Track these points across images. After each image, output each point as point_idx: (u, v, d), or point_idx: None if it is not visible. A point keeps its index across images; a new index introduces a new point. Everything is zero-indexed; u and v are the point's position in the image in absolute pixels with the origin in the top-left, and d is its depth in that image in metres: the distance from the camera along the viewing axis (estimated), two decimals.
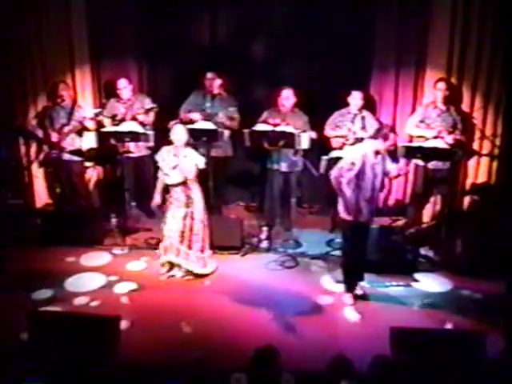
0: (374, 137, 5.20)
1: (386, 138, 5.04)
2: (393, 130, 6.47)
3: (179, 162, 5.34)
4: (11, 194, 6.59)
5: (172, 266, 5.61)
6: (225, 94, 6.60)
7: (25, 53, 6.61)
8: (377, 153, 4.99)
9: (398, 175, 5.41)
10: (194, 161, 5.39)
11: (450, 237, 6.16)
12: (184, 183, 5.39)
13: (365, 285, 5.42)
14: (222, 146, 6.45)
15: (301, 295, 5.37)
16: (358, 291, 5.32)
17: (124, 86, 6.55)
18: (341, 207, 5.10)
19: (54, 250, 6.04)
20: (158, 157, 5.47)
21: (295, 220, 6.43)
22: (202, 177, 5.57)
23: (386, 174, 5.12)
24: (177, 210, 5.45)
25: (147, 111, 6.46)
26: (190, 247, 5.51)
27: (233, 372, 3.45)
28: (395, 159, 5.37)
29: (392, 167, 5.13)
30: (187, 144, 5.44)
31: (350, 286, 5.26)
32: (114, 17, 6.75)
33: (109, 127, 6.43)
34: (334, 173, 5.03)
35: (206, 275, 5.63)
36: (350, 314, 5.08)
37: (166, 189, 5.51)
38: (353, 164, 4.96)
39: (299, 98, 6.28)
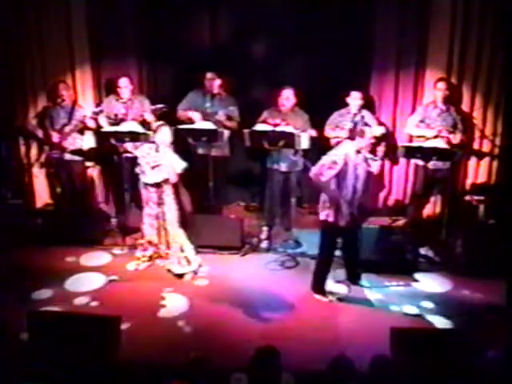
0: (350, 137, 5.18)
1: (361, 136, 5.02)
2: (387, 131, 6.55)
3: (160, 162, 5.35)
4: (11, 194, 6.59)
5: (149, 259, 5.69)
6: (224, 93, 6.60)
7: (25, 53, 6.62)
8: (357, 152, 4.98)
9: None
10: (175, 164, 5.39)
11: (450, 237, 6.17)
12: (159, 184, 5.41)
13: (364, 284, 5.46)
14: (220, 146, 6.44)
15: (301, 295, 5.36)
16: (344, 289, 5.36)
17: (125, 85, 6.53)
18: (321, 207, 5.11)
19: (54, 250, 6.04)
20: (139, 153, 5.47)
21: (295, 220, 6.43)
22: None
23: (369, 174, 5.10)
24: (149, 209, 5.52)
25: (155, 111, 6.44)
26: (168, 247, 5.56)
27: (233, 372, 3.45)
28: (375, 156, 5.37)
29: (374, 165, 5.14)
30: (170, 145, 5.45)
31: (318, 288, 5.29)
32: (114, 17, 6.74)
33: (108, 127, 6.42)
34: (314, 169, 5.04)
35: (190, 273, 5.62)
36: (349, 313, 5.09)
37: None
38: (334, 163, 4.95)
39: (299, 97, 6.28)
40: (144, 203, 5.60)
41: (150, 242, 5.67)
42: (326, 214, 5.09)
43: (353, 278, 5.43)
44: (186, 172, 5.52)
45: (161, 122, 5.63)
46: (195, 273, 5.65)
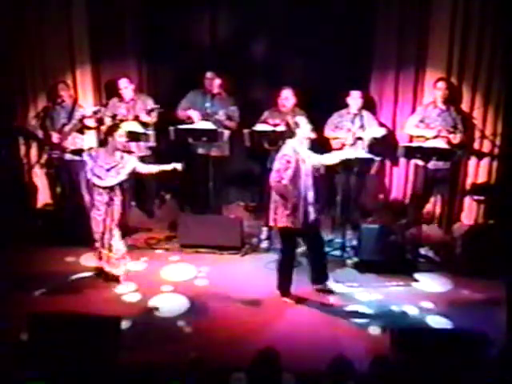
0: (288, 131, 5.15)
1: (297, 126, 5.00)
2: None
3: (114, 165, 5.26)
4: (11, 194, 6.59)
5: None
6: (225, 94, 6.60)
7: (25, 53, 6.62)
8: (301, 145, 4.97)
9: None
10: (132, 164, 5.32)
11: (450, 237, 6.18)
12: (111, 187, 5.31)
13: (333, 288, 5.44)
14: (220, 145, 6.44)
15: (300, 295, 5.37)
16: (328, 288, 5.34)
17: (125, 86, 6.53)
18: (279, 215, 5.01)
19: (54, 250, 6.03)
20: (87, 157, 5.30)
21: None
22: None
23: (316, 168, 5.12)
24: (98, 211, 5.35)
25: (149, 112, 6.44)
26: (110, 250, 5.41)
27: (233, 372, 3.45)
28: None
29: (319, 160, 5.18)
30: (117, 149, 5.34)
31: (283, 289, 5.25)
32: (114, 17, 6.75)
33: None
34: (272, 178, 4.97)
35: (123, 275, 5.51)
36: (349, 313, 5.09)
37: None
38: (288, 162, 4.93)
39: (299, 97, 6.28)
40: (92, 207, 5.38)
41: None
42: (284, 220, 5.01)
43: (318, 279, 5.35)
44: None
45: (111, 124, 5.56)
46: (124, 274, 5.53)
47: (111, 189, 5.30)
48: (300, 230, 5.08)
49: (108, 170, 5.25)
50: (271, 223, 5.18)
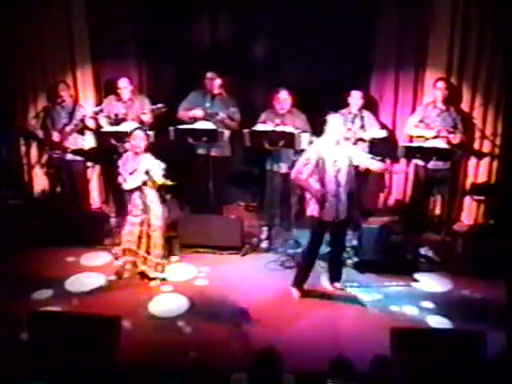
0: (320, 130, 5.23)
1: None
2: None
3: (137, 167, 5.29)
4: (11, 194, 6.59)
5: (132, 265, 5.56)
6: (225, 94, 6.60)
7: (25, 53, 6.62)
8: (337, 145, 5.05)
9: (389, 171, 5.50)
10: (152, 166, 5.31)
11: (450, 237, 6.18)
12: (139, 189, 5.33)
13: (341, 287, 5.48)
14: (221, 145, 6.44)
15: (301, 295, 5.37)
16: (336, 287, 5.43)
17: (125, 86, 6.53)
18: (307, 203, 5.20)
19: (54, 250, 6.04)
20: (120, 162, 5.37)
21: (295, 220, 6.43)
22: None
23: (356, 166, 5.18)
24: (133, 216, 5.41)
25: (153, 111, 6.43)
26: (148, 253, 5.45)
27: (233, 372, 3.45)
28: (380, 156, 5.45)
29: (367, 160, 5.25)
30: (148, 150, 5.37)
31: (297, 281, 5.34)
32: (114, 17, 6.75)
33: (108, 127, 6.42)
34: (293, 171, 5.18)
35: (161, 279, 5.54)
36: (349, 313, 5.09)
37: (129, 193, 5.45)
38: (307, 159, 5.06)
39: (299, 98, 6.28)
40: (128, 211, 5.47)
41: (128, 250, 5.46)
42: (311, 209, 5.16)
43: (334, 277, 5.45)
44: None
45: (134, 127, 5.54)
46: (163, 279, 5.56)
47: (141, 191, 5.33)
48: (328, 224, 5.15)
49: (131, 174, 5.30)
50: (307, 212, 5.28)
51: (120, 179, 5.38)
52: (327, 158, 5.02)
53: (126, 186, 5.36)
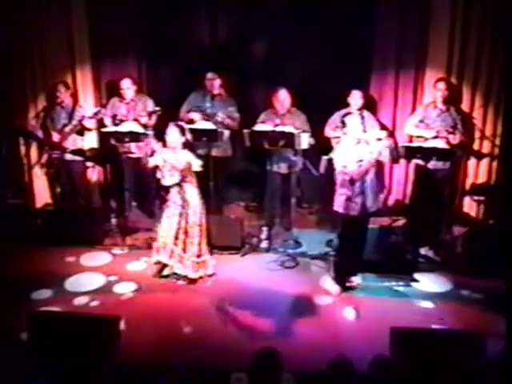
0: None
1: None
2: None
3: (175, 163, 5.28)
4: (11, 194, 6.60)
5: (164, 265, 5.56)
6: (225, 94, 6.60)
7: (25, 53, 6.62)
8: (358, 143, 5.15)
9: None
10: (188, 160, 5.31)
11: (450, 237, 6.17)
12: (179, 185, 5.33)
13: (360, 282, 5.50)
14: (222, 145, 6.44)
15: (300, 295, 5.37)
16: (353, 282, 5.47)
17: (127, 87, 6.52)
18: (337, 201, 5.23)
19: (54, 250, 6.04)
20: (158, 157, 5.35)
21: (295, 220, 6.43)
22: (199, 180, 5.49)
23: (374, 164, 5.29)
24: (172, 211, 5.40)
25: (150, 114, 6.43)
26: (184, 250, 5.42)
27: (233, 372, 3.45)
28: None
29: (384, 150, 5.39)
30: (184, 146, 5.38)
31: (339, 281, 5.38)
32: (114, 17, 6.74)
33: (109, 127, 6.43)
34: (357, 172, 5.18)
35: (201, 278, 5.53)
36: (349, 313, 5.09)
37: (166, 189, 5.48)
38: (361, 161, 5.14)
39: (299, 98, 6.28)
40: (165, 206, 5.47)
41: (162, 248, 5.46)
42: (337, 205, 5.23)
43: (352, 273, 5.47)
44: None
45: (171, 124, 5.49)
46: (210, 275, 5.57)
47: (180, 187, 5.33)
48: (354, 218, 5.21)
49: (169, 170, 5.30)
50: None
51: (159, 175, 5.37)
52: (351, 159, 5.10)
53: (165, 183, 5.36)
